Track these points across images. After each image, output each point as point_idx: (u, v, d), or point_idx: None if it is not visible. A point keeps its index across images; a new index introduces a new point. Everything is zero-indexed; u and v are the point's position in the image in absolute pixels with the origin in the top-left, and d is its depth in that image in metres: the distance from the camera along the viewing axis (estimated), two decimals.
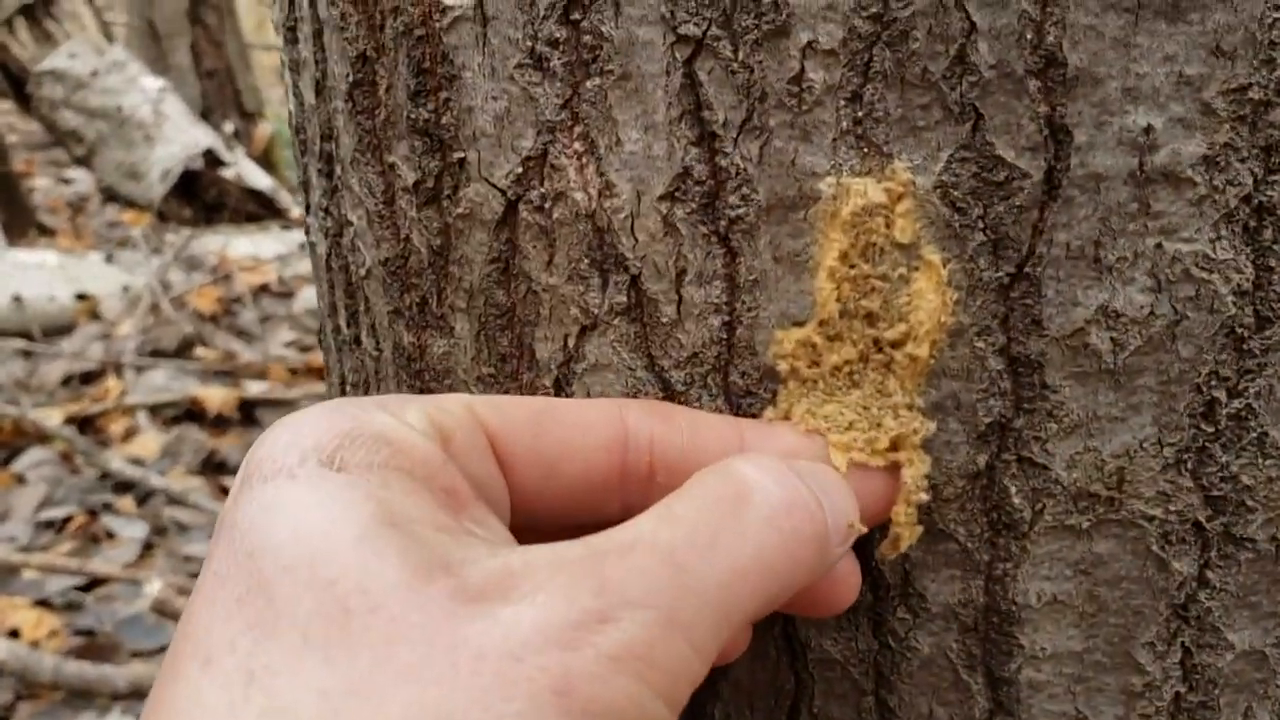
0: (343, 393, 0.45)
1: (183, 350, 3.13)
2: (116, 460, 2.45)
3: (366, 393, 0.43)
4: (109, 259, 3.74)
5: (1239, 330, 0.32)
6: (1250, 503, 0.34)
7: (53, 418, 2.62)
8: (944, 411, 0.33)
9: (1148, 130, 0.30)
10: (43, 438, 2.56)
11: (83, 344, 3.16)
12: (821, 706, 0.37)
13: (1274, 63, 0.30)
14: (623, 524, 0.27)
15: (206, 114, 4.79)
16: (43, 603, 2.00)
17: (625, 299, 0.35)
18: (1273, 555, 0.34)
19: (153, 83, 4.30)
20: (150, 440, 2.63)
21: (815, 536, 0.28)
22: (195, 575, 2.06)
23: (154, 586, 1.89)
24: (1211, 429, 0.33)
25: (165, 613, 1.84)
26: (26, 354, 3.06)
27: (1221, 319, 0.32)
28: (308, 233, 0.45)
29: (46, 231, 4.62)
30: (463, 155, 0.36)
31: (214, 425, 2.71)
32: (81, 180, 4.83)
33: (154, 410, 2.77)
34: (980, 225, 0.32)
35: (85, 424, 2.70)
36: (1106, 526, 0.34)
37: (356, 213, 0.40)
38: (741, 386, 0.35)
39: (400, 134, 0.37)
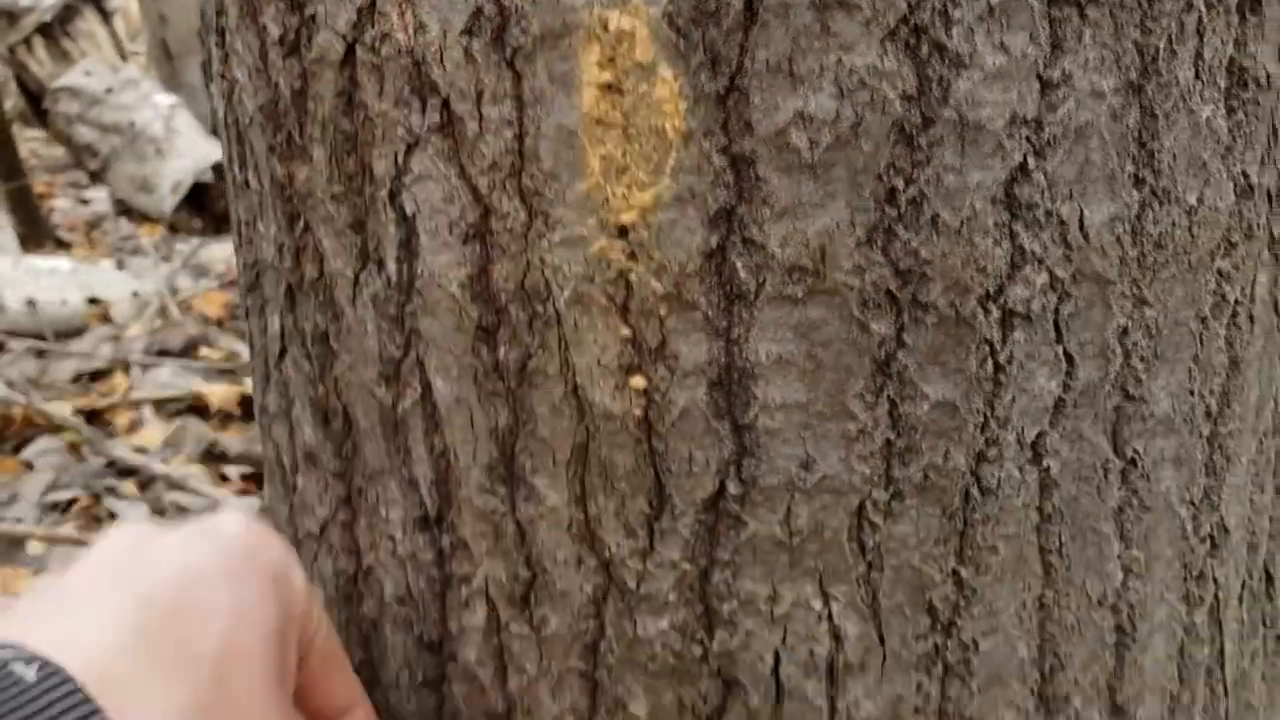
0: (239, 232, 0.54)
1: (188, 351, 3.24)
2: (120, 448, 2.55)
3: (254, 229, 0.52)
4: (120, 266, 3.87)
5: (908, 129, 0.41)
6: (930, 273, 0.42)
7: (62, 410, 2.73)
8: (683, 201, 0.42)
9: None
10: (52, 428, 2.66)
11: (93, 345, 3.27)
12: (606, 454, 0.46)
13: None
14: None
15: (217, 129, 4.93)
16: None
17: (439, 119, 0.44)
18: (953, 319, 0.43)
19: (165, 99, 4.45)
20: (154, 431, 2.74)
21: None
22: None
23: None
24: (894, 211, 0.42)
25: None
26: (39, 354, 3.17)
27: (893, 119, 0.41)
28: (212, 101, 0.55)
29: (63, 245, 4.76)
30: (313, 11, 0.45)
31: (216, 420, 2.81)
32: (99, 200, 4.97)
33: (158, 405, 2.88)
34: (699, 46, 0.40)
35: (92, 417, 2.81)
36: (816, 295, 0.42)
37: (240, 70, 0.49)
38: (531, 187, 0.43)
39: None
